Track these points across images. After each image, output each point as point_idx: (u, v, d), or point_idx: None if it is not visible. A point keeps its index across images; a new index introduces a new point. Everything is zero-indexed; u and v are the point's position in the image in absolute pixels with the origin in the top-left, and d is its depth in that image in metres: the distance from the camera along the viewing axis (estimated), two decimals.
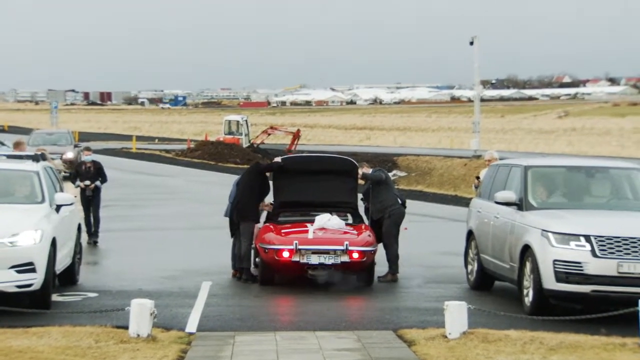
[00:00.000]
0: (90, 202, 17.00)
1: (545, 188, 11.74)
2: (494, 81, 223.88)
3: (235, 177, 14.77)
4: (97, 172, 17.12)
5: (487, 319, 10.16)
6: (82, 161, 17.33)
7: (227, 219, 13.59)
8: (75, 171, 17.31)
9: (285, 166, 13.48)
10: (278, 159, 13.87)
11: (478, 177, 14.90)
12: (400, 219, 13.53)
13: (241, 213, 13.16)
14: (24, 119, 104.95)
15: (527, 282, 10.83)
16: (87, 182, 16.86)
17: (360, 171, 13.74)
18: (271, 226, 13.08)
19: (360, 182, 14.06)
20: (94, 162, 17.25)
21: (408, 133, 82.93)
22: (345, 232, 12.79)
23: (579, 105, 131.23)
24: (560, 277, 10.32)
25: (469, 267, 13.02)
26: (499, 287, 12.65)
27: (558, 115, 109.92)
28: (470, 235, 13.12)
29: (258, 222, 13.41)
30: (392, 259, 13.34)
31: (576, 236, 10.34)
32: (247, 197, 13.20)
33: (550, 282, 10.40)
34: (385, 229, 13.38)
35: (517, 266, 11.09)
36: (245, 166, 44.79)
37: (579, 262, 10.25)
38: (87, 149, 17.82)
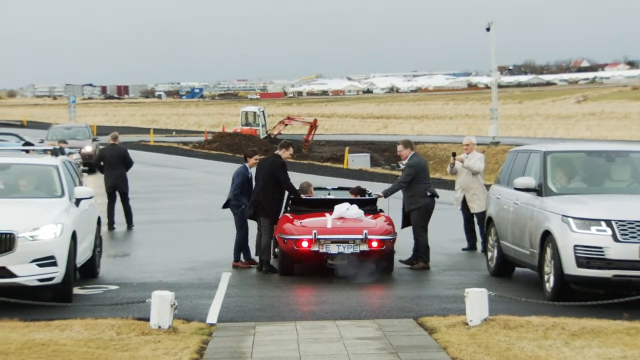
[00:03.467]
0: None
1: (565, 173, 11.67)
2: (511, 67, 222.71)
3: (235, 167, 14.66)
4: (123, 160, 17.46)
5: (508, 306, 10.14)
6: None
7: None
8: (99, 157, 17.52)
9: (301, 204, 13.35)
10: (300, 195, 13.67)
11: (454, 153, 14.84)
12: (429, 211, 13.47)
13: (264, 208, 13.10)
14: (42, 113, 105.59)
15: (548, 267, 10.79)
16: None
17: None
18: (290, 216, 13.09)
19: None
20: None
21: (425, 121, 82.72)
22: (364, 221, 12.77)
23: (598, 90, 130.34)
24: (581, 262, 10.27)
25: (489, 254, 12.98)
26: (519, 274, 12.61)
27: (577, 100, 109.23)
28: (489, 221, 13.08)
29: (278, 218, 13.37)
30: (422, 249, 13.33)
31: (597, 221, 10.28)
32: (270, 193, 13.13)
33: (571, 268, 10.35)
34: (414, 220, 13.38)
35: (538, 252, 11.04)
36: (262, 157, 44.97)
37: (600, 247, 10.19)
38: (64, 142, 18.09)
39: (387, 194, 13.54)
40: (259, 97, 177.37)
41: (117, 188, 17.84)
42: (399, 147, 13.92)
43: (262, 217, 13.17)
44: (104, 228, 16.47)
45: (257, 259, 13.56)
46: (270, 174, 13.17)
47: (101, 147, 18.11)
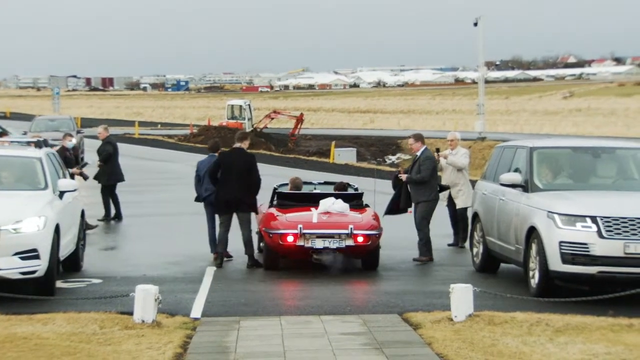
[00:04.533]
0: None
1: (551, 169, 11.71)
2: (498, 62, 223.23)
3: (201, 157, 14.58)
4: (77, 158, 17.38)
5: (493, 302, 10.17)
6: (64, 147, 17.17)
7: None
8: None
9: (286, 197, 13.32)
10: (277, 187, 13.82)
11: (438, 149, 14.92)
12: (435, 206, 13.76)
13: (243, 203, 13.03)
14: (26, 105, 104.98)
15: (533, 263, 10.83)
16: (78, 169, 16.91)
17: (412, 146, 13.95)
18: (275, 210, 13.08)
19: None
20: (74, 149, 17.40)
21: (412, 116, 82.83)
22: (350, 216, 12.78)
23: (585, 86, 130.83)
24: (566, 258, 10.31)
25: (475, 250, 13.02)
26: (504, 270, 12.65)
27: (563, 96, 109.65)
28: (475, 217, 13.11)
29: (257, 211, 13.35)
30: (426, 242, 13.50)
31: (582, 217, 10.32)
32: (245, 187, 13.03)
33: (556, 264, 10.39)
34: (421, 212, 13.57)
35: (523, 248, 11.08)
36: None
37: (585, 243, 10.23)
38: (70, 134, 17.88)
39: (410, 179, 13.66)
40: (269, 90, 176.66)
41: (119, 180, 17.89)
42: (410, 141, 14.10)
43: (241, 212, 13.05)
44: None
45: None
46: (246, 168, 13.02)
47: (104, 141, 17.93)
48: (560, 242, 10.35)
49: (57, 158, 13.04)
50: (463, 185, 14.91)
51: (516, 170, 11.80)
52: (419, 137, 14.03)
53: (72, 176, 16.16)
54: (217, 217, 13.59)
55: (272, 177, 26.89)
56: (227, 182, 13.01)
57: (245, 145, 13.24)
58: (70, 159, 16.93)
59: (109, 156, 18.03)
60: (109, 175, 18.00)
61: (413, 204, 13.81)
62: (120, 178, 18.28)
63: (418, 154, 13.85)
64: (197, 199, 14.14)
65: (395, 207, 13.94)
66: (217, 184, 13.13)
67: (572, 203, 10.62)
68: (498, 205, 12.15)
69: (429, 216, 13.63)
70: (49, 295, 10.52)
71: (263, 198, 15.84)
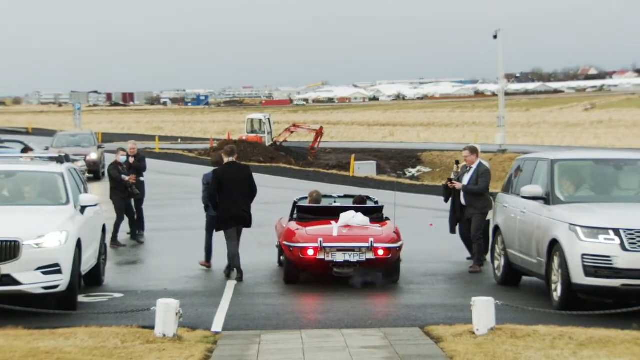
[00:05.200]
0: (129, 203, 17.16)
1: (573, 182, 11.65)
2: (518, 75, 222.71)
3: (204, 170, 14.65)
4: (133, 172, 17.36)
5: (515, 315, 10.11)
6: (117, 162, 17.24)
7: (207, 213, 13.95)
8: (115, 175, 17.19)
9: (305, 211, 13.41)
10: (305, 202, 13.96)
11: (457, 162, 14.96)
12: (486, 216, 14.12)
13: (246, 218, 13.26)
14: (47, 120, 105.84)
15: (556, 276, 10.76)
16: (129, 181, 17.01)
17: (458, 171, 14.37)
18: (295, 224, 13.09)
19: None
20: (127, 163, 17.45)
21: (432, 128, 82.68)
22: (370, 229, 12.76)
23: (606, 98, 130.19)
24: (589, 271, 10.24)
25: (496, 263, 12.96)
26: (526, 283, 12.58)
27: (584, 108, 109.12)
28: (496, 230, 13.05)
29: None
30: (482, 252, 13.82)
31: (605, 230, 10.25)
32: (248, 200, 13.31)
33: (579, 277, 10.32)
34: (476, 224, 13.84)
35: (545, 261, 11.01)
36: (268, 165, 45.34)
37: (608, 256, 10.16)
38: (122, 149, 17.93)
39: (467, 190, 13.94)
40: (304, 104, 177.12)
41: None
42: (465, 153, 14.31)
43: (242, 227, 13.33)
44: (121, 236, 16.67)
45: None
46: (247, 183, 13.28)
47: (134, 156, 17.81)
48: (583, 254, 10.29)
49: (79, 173, 13.14)
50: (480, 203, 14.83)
51: (536, 183, 11.75)
52: (474, 150, 14.34)
53: (130, 186, 16.37)
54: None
55: (292, 190, 26.96)
56: (231, 197, 13.16)
57: (235, 158, 13.50)
58: (124, 174, 17.08)
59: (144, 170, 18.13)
60: (142, 190, 18.08)
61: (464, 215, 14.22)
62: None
63: (473, 166, 14.16)
64: (206, 209, 14.35)
65: (456, 220, 14.38)
66: (217, 200, 13.26)
67: (594, 215, 10.55)
68: (519, 218, 12.09)
69: (484, 226, 13.90)
70: (71, 310, 10.58)
71: (282, 212, 15.88)
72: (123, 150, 17.84)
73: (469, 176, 14.09)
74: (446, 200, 14.49)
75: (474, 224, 13.91)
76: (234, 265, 13.31)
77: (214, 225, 13.81)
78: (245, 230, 13.82)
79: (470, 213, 13.90)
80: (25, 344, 8.76)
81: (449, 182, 14.34)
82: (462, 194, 14.14)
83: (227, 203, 13.18)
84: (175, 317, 9.12)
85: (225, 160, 13.48)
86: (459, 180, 14.22)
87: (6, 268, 10.23)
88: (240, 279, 13.05)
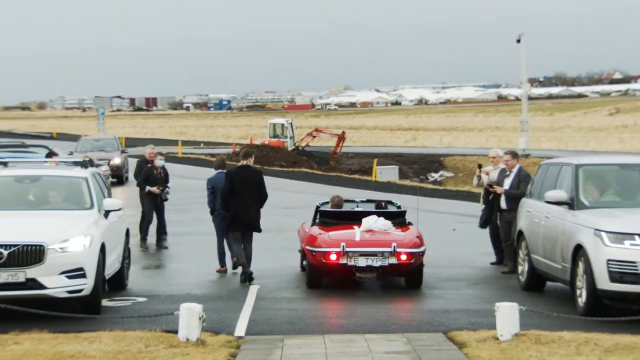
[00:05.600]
0: (159, 207, 17.26)
1: (597, 186, 11.57)
2: (541, 79, 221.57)
3: (207, 173, 14.80)
4: (166, 178, 17.47)
5: (539, 320, 10.05)
6: (154, 166, 17.44)
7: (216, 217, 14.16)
8: (146, 176, 17.40)
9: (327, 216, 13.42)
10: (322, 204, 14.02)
11: (480, 165, 14.93)
12: None
13: (256, 222, 13.35)
14: (71, 125, 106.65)
15: (580, 282, 10.68)
16: (159, 188, 17.11)
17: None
18: (318, 229, 13.09)
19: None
20: (164, 168, 17.60)
21: (454, 133, 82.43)
22: (393, 234, 12.74)
23: (631, 102, 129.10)
24: (614, 277, 10.16)
25: (520, 268, 12.89)
26: (550, 288, 12.50)
27: (609, 112, 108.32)
28: (520, 235, 12.99)
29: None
30: (513, 255, 13.84)
31: (630, 235, 10.16)
32: (257, 205, 13.39)
33: (604, 282, 10.24)
34: (510, 226, 14.00)
35: (570, 266, 10.94)
36: (290, 169, 45.37)
37: (633, 262, 10.07)
38: (161, 154, 18.05)
39: (509, 194, 14.11)
40: (337, 108, 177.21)
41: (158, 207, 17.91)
42: (507, 157, 14.45)
43: (251, 231, 13.41)
44: (134, 240, 16.62)
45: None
46: (258, 186, 13.33)
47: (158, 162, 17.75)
48: (608, 260, 10.20)
49: (102, 178, 13.22)
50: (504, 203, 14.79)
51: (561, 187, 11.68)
52: (515, 155, 14.52)
53: (158, 196, 16.53)
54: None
55: (314, 195, 26.95)
56: (241, 201, 13.24)
57: (250, 162, 13.51)
58: (158, 178, 17.22)
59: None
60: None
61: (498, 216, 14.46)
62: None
63: (514, 170, 14.35)
64: (212, 213, 14.50)
65: (489, 219, 14.55)
66: (229, 202, 13.33)
67: (619, 220, 10.47)
68: (544, 223, 12.02)
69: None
70: (95, 314, 10.63)
71: (305, 216, 15.89)
72: (161, 154, 17.94)
73: (510, 180, 14.28)
74: (485, 203, 14.54)
75: (507, 226, 14.10)
76: (239, 263, 13.47)
77: (223, 228, 13.97)
78: (267, 235, 13.80)
79: (512, 216, 13.93)
80: (50, 347, 8.82)
81: (489, 187, 14.42)
82: (502, 198, 14.27)
83: (237, 206, 13.30)
84: (199, 321, 9.15)
85: (241, 162, 13.55)
86: (499, 184, 14.38)
87: (31, 272, 10.31)
88: (244, 280, 13.15)
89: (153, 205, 17.25)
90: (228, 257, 14.36)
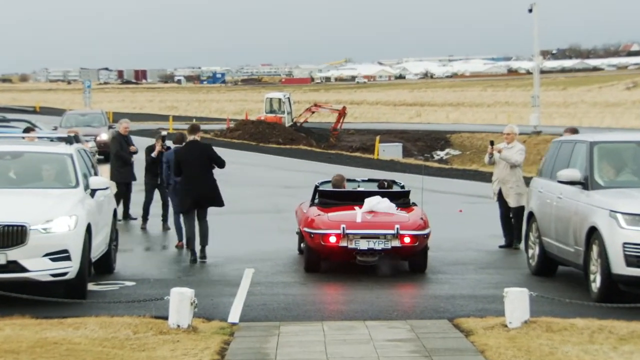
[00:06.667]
0: (160, 186, 17.20)
1: (613, 165, 11.54)
2: (554, 51, 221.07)
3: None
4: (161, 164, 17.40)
5: (550, 307, 10.05)
6: (161, 150, 17.19)
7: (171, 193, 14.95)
8: (152, 160, 17.20)
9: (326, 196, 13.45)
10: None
11: (492, 142, 14.93)
12: None
13: (213, 197, 13.65)
14: (56, 99, 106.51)
15: (594, 266, 10.68)
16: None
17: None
18: (317, 209, 13.08)
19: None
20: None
21: (461, 109, 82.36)
22: (396, 215, 12.73)
23: None
24: (630, 261, 10.16)
25: (530, 251, 12.89)
26: (562, 272, 12.51)
27: (626, 86, 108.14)
28: (531, 217, 12.98)
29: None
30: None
31: None
32: (211, 181, 13.69)
33: (619, 267, 10.24)
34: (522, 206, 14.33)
35: (583, 250, 10.94)
36: (288, 147, 45.33)
37: None
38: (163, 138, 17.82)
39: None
40: (365, 80, 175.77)
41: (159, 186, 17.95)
42: (567, 134, 14.36)
43: (208, 206, 13.71)
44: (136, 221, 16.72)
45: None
46: (207, 159, 13.64)
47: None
48: (624, 243, 10.20)
49: (88, 155, 13.18)
50: (514, 183, 14.78)
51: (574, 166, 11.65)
52: (575, 131, 14.41)
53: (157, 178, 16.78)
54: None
55: (313, 174, 26.97)
56: (190, 179, 13.55)
57: (198, 137, 13.83)
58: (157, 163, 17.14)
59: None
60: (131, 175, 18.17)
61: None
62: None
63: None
64: (167, 187, 15.35)
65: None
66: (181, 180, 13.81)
67: (636, 201, 10.45)
68: (555, 204, 12.01)
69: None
70: (80, 299, 10.64)
71: (303, 196, 15.88)
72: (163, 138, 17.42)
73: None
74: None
75: (522, 206, 14.32)
76: (189, 247, 13.75)
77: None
78: (263, 216, 13.80)
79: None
80: (33, 334, 8.82)
81: (491, 145, 14.85)
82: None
83: (187, 185, 13.61)
84: (190, 307, 9.15)
85: (188, 138, 13.87)
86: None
87: (13, 254, 10.29)
88: (194, 260, 13.50)
89: (154, 183, 17.17)
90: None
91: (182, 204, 13.83)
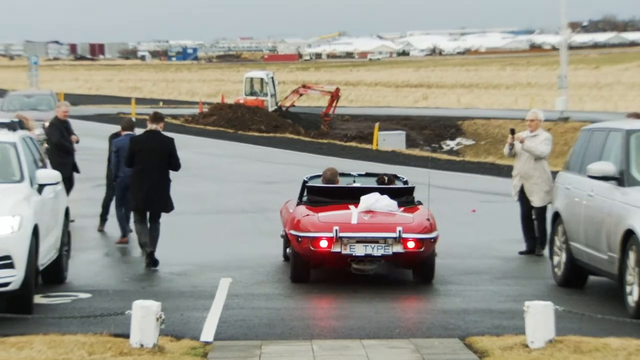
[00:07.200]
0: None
1: None
2: (585, 23, 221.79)
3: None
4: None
5: (579, 324, 10.12)
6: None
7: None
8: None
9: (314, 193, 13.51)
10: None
11: (513, 130, 14.94)
12: None
13: (161, 204, 13.86)
14: None
15: (631, 276, 10.75)
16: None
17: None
18: (305, 209, 13.11)
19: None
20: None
21: (475, 91, 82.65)
22: (398, 216, 12.77)
23: None
24: None
25: (556, 259, 12.96)
26: (593, 283, 12.58)
27: None
28: (556, 218, 13.04)
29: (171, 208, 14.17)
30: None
31: None
32: (165, 180, 13.87)
33: None
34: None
35: (618, 257, 11.00)
36: (271, 135, 45.35)
37: None
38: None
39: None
40: (380, 57, 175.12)
41: None
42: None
43: (159, 212, 13.92)
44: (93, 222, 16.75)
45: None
46: (165, 154, 13.82)
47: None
48: None
49: (35, 143, 13.16)
50: (539, 179, 14.81)
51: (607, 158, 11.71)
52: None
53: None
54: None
55: (301, 167, 27.01)
56: (146, 175, 13.76)
57: (161, 127, 13.99)
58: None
59: None
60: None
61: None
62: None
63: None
64: (115, 179, 15.80)
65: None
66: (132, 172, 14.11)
67: None
68: (586, 203, 12.07)
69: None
70: (25, 313, 10.63)
71: (289, 194, 15.91)
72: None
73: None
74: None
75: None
76: (140, 243, 13.97)
77: (123, 196, 15.28)
78: (242, 216, 13.77)
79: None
80: None
81: (512, 134, 14.89)
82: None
83: (141, 181, 13.82)
84: (156, 323, 9.17)
85: (149, 127, 14.02)
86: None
87: None
88: (149, 264, 13.68)
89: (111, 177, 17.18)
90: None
91: (135, 201, 14.00)
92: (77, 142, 18.03)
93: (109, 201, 17.26)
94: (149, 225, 13.90)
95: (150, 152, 13.77)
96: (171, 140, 14.11)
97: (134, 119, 16.46)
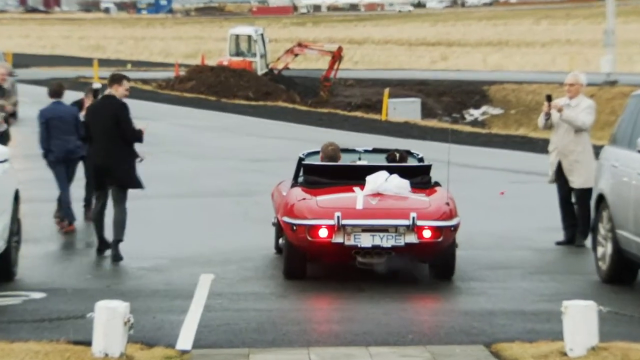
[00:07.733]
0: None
1: None
2: None
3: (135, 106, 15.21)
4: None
5: (628, 328, 10.17)
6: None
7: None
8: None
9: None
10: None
11: (549, 97, 14.94)
12: None
13: (116, 174, 13.94)
14: None
15: None
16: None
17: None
18: (302, 191, 13.12)
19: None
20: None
21: (505, 49, 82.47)
22: (412, 199, 12.79)
23: None
24: None
25: (600, 250, 12.98)
26: None
27: None
28: (601, 201, 13.06)
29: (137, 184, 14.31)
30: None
31: None
32: (118, 150, 13.92)
33: None
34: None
35: None
36: (261, 103, 45.29)
37: None
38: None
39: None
40: (411, 9, 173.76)
41: None
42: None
43: (115, 186, 14.03)
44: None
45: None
46: (112, 123, 13.92)
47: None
48: None
49: None
50: (581, 154, 14.83)
51: None
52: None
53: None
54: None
55: (296, 141, 27.04)
56: (96, 145, 14.09)
57: (117, 91, 14.10)
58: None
59: None
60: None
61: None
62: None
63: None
64: (46, 156, 16.03)
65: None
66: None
67: None
68: (635, 183, 12.09)
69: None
70: None
71: (283, 174, 15.91)
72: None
73: None
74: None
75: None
76: (101, 241, 14.24)
77: (64, 176, 15.68)
78: (226, 200, 13.72)
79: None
80: None
81: (548, 101, 14.91)
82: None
83: (92, 153, 14.29)
84: (123, 327, 9.19)
85: (107, 91, 14.23)
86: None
87: None
88: (99, 250, 14.17)
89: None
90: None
91: (95, 179, 14.35)
92: (12, 112, 17.97)
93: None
94: (114, 209, 13.98)
95: (99, 120, 13.97)
96: (121, 104, 14.11)
97: (60, 82, 16.53)
